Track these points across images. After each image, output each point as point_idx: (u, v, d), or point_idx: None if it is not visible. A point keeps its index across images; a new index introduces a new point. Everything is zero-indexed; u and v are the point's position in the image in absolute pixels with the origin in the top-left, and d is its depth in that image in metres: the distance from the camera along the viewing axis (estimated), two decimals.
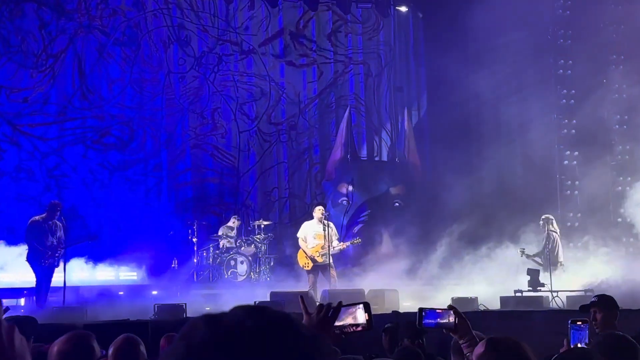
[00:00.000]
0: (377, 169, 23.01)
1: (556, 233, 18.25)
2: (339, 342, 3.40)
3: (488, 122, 23.05)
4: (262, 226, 20.20)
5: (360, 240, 18.04)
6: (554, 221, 18.33)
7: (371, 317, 3.40)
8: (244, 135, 23.41)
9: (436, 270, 18.71)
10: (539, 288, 16.72)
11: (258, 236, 20.01)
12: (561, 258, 18.13)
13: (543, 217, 18.26)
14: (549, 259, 17.68)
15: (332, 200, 22.04)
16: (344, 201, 21.87)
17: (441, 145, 22.50)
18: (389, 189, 22.21)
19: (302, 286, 17.38)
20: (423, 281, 18.59)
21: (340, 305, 3.26)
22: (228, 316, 1.74)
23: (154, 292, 17.81)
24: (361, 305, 3.42)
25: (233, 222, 20.51)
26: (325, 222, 17.11)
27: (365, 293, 15.95)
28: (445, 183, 20.85)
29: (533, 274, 17.02)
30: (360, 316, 3.41)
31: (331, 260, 17.14)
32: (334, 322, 3.24)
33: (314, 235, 17.14)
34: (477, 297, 16.07)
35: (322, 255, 16.93)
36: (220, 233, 20.08)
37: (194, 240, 19.67)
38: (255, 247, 19.92)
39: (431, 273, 18.76)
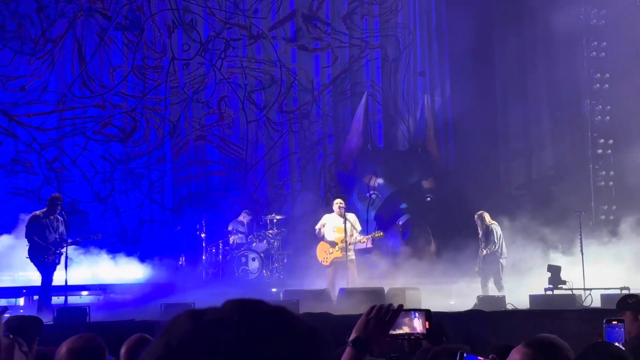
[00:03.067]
0: (400, 160, 22.61)
1: (497, 226, 17.92)
2: (390, 348, 3.23)
3: (516, 111, 22.89)
4: (275, 220, 20.15)
5: (382, 233, 17.89)
6: (487, 215, 18.03)
7: (432, 327, 3.27)
8: (252, 126, 23.33)
9: (460, 267, 18.54)
10: (560, 285, 16.52)
11: (270, 231, 19.96)
12: (505, 255, 17.83)
13: (477, 213, 17.97)
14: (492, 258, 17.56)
15: (357, 194, 21.79)
16: (373, 194, 21.60)
17: (466, 135, 22.36)
18: (419, 182, 21.87)
19: (318, 284, 17.31)
20: (447, 279, 18.47)
21: (400, 309, 3.13)
22: (215, 310, 1.72)
23: None
24: (421, 313, 3.28)
25: (243, 217, 20.47)
26: (344, 214, 17.07)
27: (386, 292, 15.87)
28: (470, 175, 20.73)
29: (554, 270, 16.82)
30: (418, 324, 3.27)
31: (353, 256, 17.11)
32: (390, 328, 3.09)
33: (334, 228, 17.14)
34: (504, 296, 15.97)
35: (342, 249, 16.88)
36: (229, 228, 20.04)
37: (203, 236, 19.60)
38: (268, 243, 19.84)
39: (456, 270, 18.60)
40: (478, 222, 17.82)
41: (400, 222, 21.28)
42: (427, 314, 3.27)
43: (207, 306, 1.73)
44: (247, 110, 23.36)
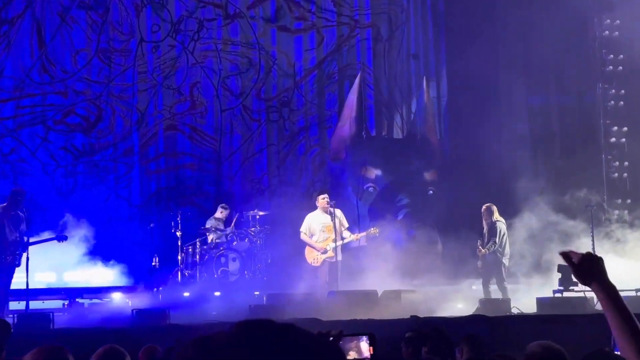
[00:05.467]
0: (398, 149, 22.34)
1: (503, 223, 17.87)
2: None
3: (520, 96, 22.78)
4: (258, 217, 19.97)
5: (377, 230, 17.80)
6: (496, 209, 17.94)
7: (376, 352, 3.44)
8: (227, 115, 23.19)
9: (462, 266, 18.46)
10: (571, 287, 16.43)
11: (253, 229, 19.79)
12: (507, 254, 17.73)
13: (485, 205, 17.85)
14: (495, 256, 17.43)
15: (353, 187, 21.61)
16: (370, 187, 21.42)
17: (464, 123, 22.23)
18: (421, 174, 21.66)
19: (304, 286, 17.33)
20: (447, 280, 18.43)
21: (340, 335, 3.25)
22: (223, 335, 1.74)
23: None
24: (365, 337, 3.47)
25: (220, 213, 20.29)
26: (332, 210, 16.97)
27: (379, 294, 15.87)
28: (471, 167, 20.64)
29: (565, 271, 16.69)
30: (365, 349, 3.46)
31: (340, 255, 17.07)
32: None
33: (322, 227, 17.22)
34: (509, 299, 15.96)
35: (333, 249, 16.85)
36: (208, 226, 19.87)
37: (178, 234, 19.45)
38: (250, 241, 19.69)
39: (461, 270, 18.54)
40: (484, 215, 17.71)
41: (400, 218, 21.13)
42: (372, 339, 3.46)
43: (215, 331, 1.75)
44: (221, 97, 23.21)
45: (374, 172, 21.55)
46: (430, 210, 21.11)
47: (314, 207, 18.04)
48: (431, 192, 21.43)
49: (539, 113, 22.77)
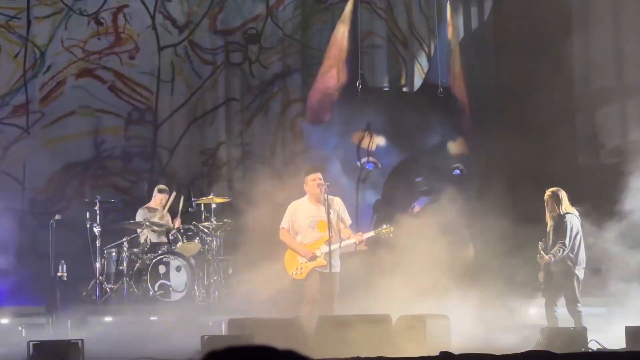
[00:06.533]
0: (411, 108, 22.42)
1: (575, 216, 17.73)
2: None
3: (605, 31, 22.76)
4: (214, 207, 20.01)
5: (391, 229, 17.66)
6: (566, 197, 17.79)
7: None
8: (167, 54, 23.44)
9: (514, 280, 18.41)
10: None
11: (207, 224, 19.85)
12: (582, 262, 17.61)
13: (550, 191, 17.69)
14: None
15: (343, 163, 21.59)
16: (371, 163, 21.40)
17: (516, 70, 22.16)
18: (444, 145, 21.64)
19: (283, 309, 17.38)
20: (492, 300, 18.37)
21: None
22: None
23: None
24: None
25: (160, 201, 20.22)
26: (327, 197, 16.80)
27: (393, 321, 15.79)
28: (524, 133, 20.60)
29: None
30: None
31: (339, 267, 16.92)
32: None
33: (312, 223, 17.09)
34: (585, 329, 15.87)
35: (325, 255, 16.71)
36: (139, 219, 19.87)
37: (97, 231, 19.41)
38: (202, 242, 19.81)
39: (506, 285, 18.49)
40: (548, 205, 17.59)
41: (416, 208, 21.12)
42: None
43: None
44: (159, 28, 23.33)
45: (376, 141, 21.59)
46: (457, 197, 21.03)
47: (300, 193, 17.85)
48: (458, 171, 21.46)
49: (633, 52, 22.69)
